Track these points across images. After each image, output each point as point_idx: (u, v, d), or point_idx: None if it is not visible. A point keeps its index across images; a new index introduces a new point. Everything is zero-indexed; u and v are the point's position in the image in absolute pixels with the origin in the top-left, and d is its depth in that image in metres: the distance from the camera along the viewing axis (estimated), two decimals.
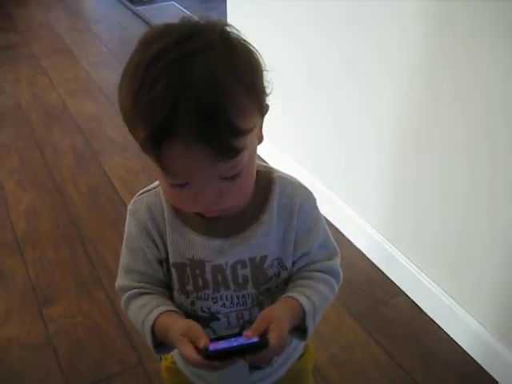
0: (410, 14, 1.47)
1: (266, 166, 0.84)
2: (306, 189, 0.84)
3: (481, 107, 1.35)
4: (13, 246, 1.96)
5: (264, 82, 0.71)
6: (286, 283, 0.85)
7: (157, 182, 0.82)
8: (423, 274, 1.67)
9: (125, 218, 2.08)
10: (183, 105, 0.62)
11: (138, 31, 3.70)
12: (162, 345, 0.79)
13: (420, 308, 1.70)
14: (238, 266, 0.81)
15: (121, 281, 0.86)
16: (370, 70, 1.66)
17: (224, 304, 0.83)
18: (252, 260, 0.81)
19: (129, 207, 0.83)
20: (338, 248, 0.89)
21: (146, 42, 0.67)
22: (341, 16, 1.71)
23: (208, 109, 0.62)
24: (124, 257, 0.85)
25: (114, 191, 2.21)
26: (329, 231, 0.87)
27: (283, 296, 0.81)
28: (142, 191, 0.84)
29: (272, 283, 0.83)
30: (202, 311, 0.83)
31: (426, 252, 1.66)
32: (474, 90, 1.35)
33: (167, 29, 0.68)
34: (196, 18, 0.69)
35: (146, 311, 0.79)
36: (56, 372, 1.54)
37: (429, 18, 1.41)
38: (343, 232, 1.96)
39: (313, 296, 0.81)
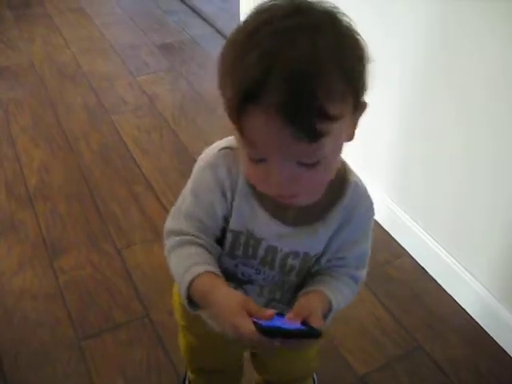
0: None
1: (345, 165, 0.83)
2: (371, 202, 0.85)
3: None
4: (25, 200, 1.99)
5: (366, 75, 0.68)
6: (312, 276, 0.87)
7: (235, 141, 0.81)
8: (428, 236, 1.68)
9: (135, 175, 2.10)
10: (275, 73, 0.61)
11: None
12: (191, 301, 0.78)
13: (424, 269, 1.71)
14: (291, 256, 0.83)
15: (175, 223, 0.83)
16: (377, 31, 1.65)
17: (264, 278, 0.86)
18: (306, 254, 0.83)
19: (207, 158, 0.81)
20: (367, 263, 0.90)
21: (258, 12, 0.67)
22: None
23: (299, 84, 0.61)
24: (188, 203, 0.83)
25: (126, 149, 2.23)
26: (369, 250, 0.89)
27: (318, 288, 0.82)
28: (223, 145, 0.81)
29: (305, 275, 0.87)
30: (242, 275, 0.86)
31: (432, 214, 1.67)
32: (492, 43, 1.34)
33: (280, 2, 0.67)
34: None
35: (191, 262, 0.77)
36: (65, 321, 1.58)
37: None
38: None
39: (339, 296, 0.83)
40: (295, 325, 0.71)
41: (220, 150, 0.80)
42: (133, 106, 2.51)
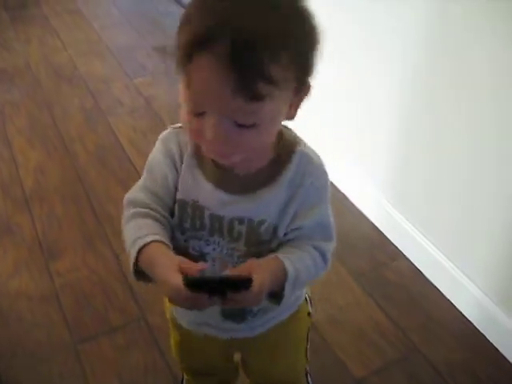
0: None
1: (295, 137, 0.85)
2: (323, 171, 0.85)
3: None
4: (21, 202, 1.99)
5: (314, 58, 0.72)
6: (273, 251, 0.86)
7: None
8: (425, 239, 1.67)
9: (132, 177, 2.09)
10: (229, 26, 0.64)
11: None
12: (139, 272, 0.79)
13: (421, 272, 1.71)
14: (236, 222, 0.83)
15: (133, 193, 0.86)
16: (379, 29, 1.65)
17: (214, 248, 0.86)
18: (250, 220, 0.83)
19: (161, 135, 0.87)
20: (335, 239, 0.89)
21: None
22: None
23: (249, 40, 0.64)
24: (143, 178, 0.87)
25: (122, 150, 2.22)
26: (332, 222, 0.88)
27: (270, 256, 0.82)
28: (177, 125, 0.86)
29: (262, 248, 0.85)
30: (193, 250, 0.87)
31: (429, 216, 1.66)
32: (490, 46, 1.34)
33: None
34: None
35: (141, 233, 0.79)
36: (61, 323, 1.57)
37: None
38: (346, 194, 1.96)
39: (297, 263, 0.82)
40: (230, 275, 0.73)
41: (173, 128, 0.86)
42: (129, 108, 2.51)
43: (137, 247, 0.77)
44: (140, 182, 0.87)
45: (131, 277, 0.80)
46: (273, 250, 0.85)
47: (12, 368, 1.46)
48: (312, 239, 0.86)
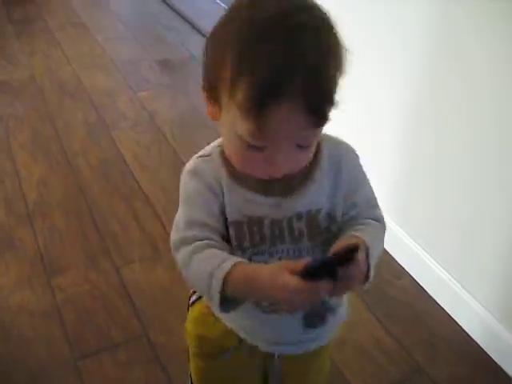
0: None
1: None
2: (350, 147, 0.89)
3: None
4: (23, 216, 1.99)
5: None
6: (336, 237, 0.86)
7: (213, 145, 0.86)
8: (428, 256, 1.67)
9: (135, 191, 2.09)
10: (299, 68, 0.66)
11: (154, 8, 3.70)
12: (226, 300, 0.77)
13: (424, 290, 1.70)
14: (294, 219, 0.84)
15: (181, 233, 0.83)
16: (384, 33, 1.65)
17: (280, 258, 0.85)
18: (308, 212, 0.84)
19: (189, 167, 0.85)
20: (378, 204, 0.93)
21: (249, 5, 0.71)
22: None
23: (316, 75, 0.68)
24: (184, 214, 0.84)
25: (125, 165, 2.22)
26: (373, 190, 0.92)
27: (347, 235, 0.82)
28: (199, 154, 0.86)
29: (326, 236, 0.85)
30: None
31: (433, 235, 1.66)
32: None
33: None
34: None
35: (217, 261, 0.77)
36: (62, 339, 1.57)
37: None
38: None
39: (374, 243, 0.82)
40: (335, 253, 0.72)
41: (198, 157, 0.86)
42: (132, 122, 2.51)
43: (220, 276, 0.74)
44: (183, 219, 0.83)
45: (216, 311, 0.80)
46: (336, 235, 0.85)
47: None
48: (367, 212, 0.89)
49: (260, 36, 0.68)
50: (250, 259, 0.84)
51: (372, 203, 0.91)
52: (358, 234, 0.82)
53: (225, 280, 0.74)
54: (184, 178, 0.85)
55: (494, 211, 1.43)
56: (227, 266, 0.75)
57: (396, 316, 1.64)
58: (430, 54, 1.51)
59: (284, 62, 0.66)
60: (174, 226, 0.86)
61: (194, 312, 0.98)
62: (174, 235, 0.85)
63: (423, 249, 1.69)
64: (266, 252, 0.84)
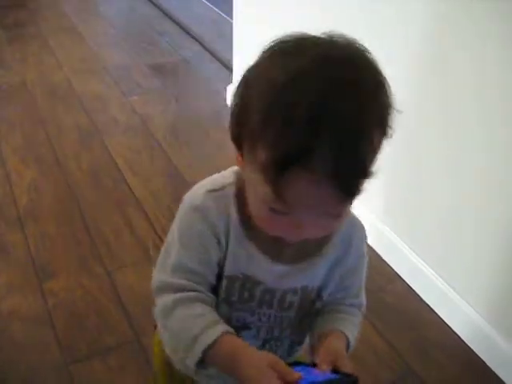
0: None
1: None
2: (362, 225, 0.83)
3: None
4: (14, 221, 1.97)
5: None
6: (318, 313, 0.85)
7: (226, 180, 0.77)
8: (420, 260, 1.68)
9: (126, 196, 2.08)
10: (324, 135, 0.57)
11: (146, 12, 3.71)
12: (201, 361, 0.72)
13: (416, 293, 1.71)
14: (289, 294, 0.80)
15: (167, 276, 0.76)
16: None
17: (260, 319, 0.82)
18: (304, 288, 0.80)
19: (192, 201, 0.75)
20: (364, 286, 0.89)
21: (286, 53, 0.63)
22: None
23: (349, 145, 0.58)
24: (176, 255, 0.76)
25: (117, 169, 2.22)
26: (364, 278, 0.88)
27: (333, 327, 0.80)
28: (210, 188, 0.76)
29: (310, 311, 0.84)
30: (237, 321, 0.82)
31: (423, 238, 1.67)
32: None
33: (311, 42, 0.63)
34: (335, 35, 0.64)
35: (203, 323, 0.71)
36: (54, 345, 1.56)
37: None
38: None
39: (354, 335, 0.81)
40: (326, 375, 0.67)
41: (207, 191, 0.75)
42: (124, 127, 2.51)
43: (206, 342, 0.70)
44: (173, 260, 0.76)
45: (190, 370, 0.72)
46: (318, 311, 0.84)
47: None
48: (351, 297, 0.85)
49: (283, 94, 0.59)
50: (231, 312, 0.80)
51: (360, 290, 0.87)
52: (343, 330, 0.79)
53: (207, 348, 0.70)
54: (186, 212, 0.76)
55: (480, 211, 1.44)
56: (214, 334, 0.70)
57: (388, 319, 1.64)
58: (415, 54, 1.52)
59: (306, 125, 0.57)
60: (160, 260, 0.79)
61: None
62: (159, 275, 0.78)
63: (413, 251, 1.70)
64: (249, 310, 0.81)
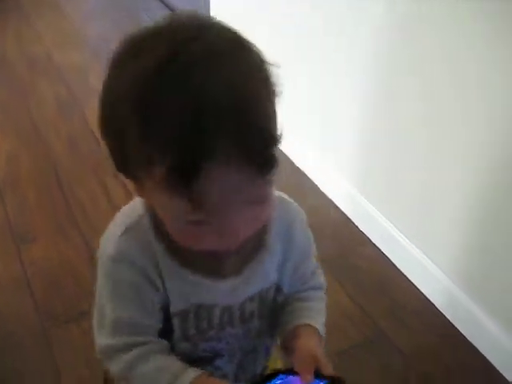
0: None
1: None
2: (298, 209, 0.79)
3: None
4: None
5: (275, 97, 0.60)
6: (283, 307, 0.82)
7: (136, 212, 0.70)
8: (390, 224, 1.70)
9: (103, 166, 2.09)
10: (211, 120, 0.53)
11: None
12: None
13: (388, 258, 1.73)
14: (247, 303, 0.76)
15: (108, 340, 0.71)
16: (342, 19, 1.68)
17: (228, 342, 0.77)
18: (260, 292, 0.76)
19: (110, 252, 0.69)
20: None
21: (133, 55, 0.57)
22: None
23: (239, 118, 0.54)
24: (111, 310, 0.70)
25: (94, 138, 2.22)
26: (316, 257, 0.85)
27: (300, 323, 0.77)
28: (122, 228, 0.70)
29: (271, 309, 0.80)
30: (205, 351, 0.77)
31: (394, 201, 1.69)
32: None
33: (160, 32, 0.58)
34: (180, 14, 0.60)
35: (168, 378, 0.68)
36: (31, 309, 1.58)
37: None
38: (314, 180, 2.01)
39: (323, 321, 0.80)
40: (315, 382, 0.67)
41: (122, 235, 0.69)
42: None
43: None
44: (110, 317, 0.70)
45: None
46: (282, 306, 0.81)
47: None
48: (312, 280, 0.84)
49: (154, 96, 0.54)
50: (195, 346, 0.76)
51: (316, 270, 0.85)
52: (311, 322, 0.77)
53: None
54: (108, 266, 0.70)
55: (451, 177, 1.47)
56: (186, 381, 0.67)
57: (360, 283, 1.67)
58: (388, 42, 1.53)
59: (188, 120, 0.52)
60: (96, 323, 0.73)
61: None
62: (101, 340, 0.72)
63: (385, 216, 1.72)
64: (214, 338, 0.76)
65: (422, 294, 1.63)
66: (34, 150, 2.19)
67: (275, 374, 0.69)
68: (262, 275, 0.75)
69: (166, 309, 0.72)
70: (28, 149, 2.19)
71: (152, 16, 3.29)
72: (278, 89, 0.60)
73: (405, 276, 1.68)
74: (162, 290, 0.70)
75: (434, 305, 1.60)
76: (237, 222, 0.59)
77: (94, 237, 1.80)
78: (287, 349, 0.76)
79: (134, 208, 0.71)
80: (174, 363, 0.70)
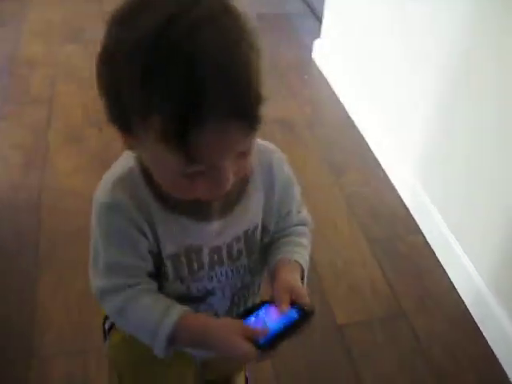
0: None
1: None
2: (277, 149, 0.84)
3: None
4: (95, 122, 2.20)
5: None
6: (269, 246, 0.87)
7: (125, 164, 0.74)
8: (444, 223, 1.72)
9: None
10: (208, 79, 0.57)
11: None
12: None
13: (433, 251, 1.76)
14: (234, 243, 0.81)
15: (103, 279, 0.76)
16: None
17: (219, 280, 0.82)
18: (245, 233, 0.81)
19: (104, 200, 0.73)
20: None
21: (144, 9, 0.60)
22: None
23: (234, 78, 0.59)
24: (105, 253, 0.75)
25: None
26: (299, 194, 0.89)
27: (282, 257, 0.82)
28: (115, 178, 0.73)
29: (259, 249, 0.85)
30: (198, 291, 0.82)
31: (447, 198, 1.72)
32: None
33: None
34: None
35: (157, 314, 0.73)
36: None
37: None
38: (382, 165, 2.08)
39: (306, 255, 0.85)
40: (287, 316, 0.72)
41: (114, 184, 0.73)
42: None
43: (164, 335, 0.72)
44: (103, 260, 0.75)
45: (160, 354, 0.74)
46: (269, 244, 0.86)
47: (52, 245, 1.69)
48: (297, 217, 0.88)
49: (161, 49, 0.58)
50: (187, 287, 0.81)
51: (300, 207, 0.89)
52: (293, 256, 0.82)
53: (169, 338, 0.72)
54: (101, 212, 0.73)
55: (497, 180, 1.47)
56: (171, 322, 0.72)
57: (398, 267, 1.71)
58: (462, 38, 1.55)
59: (186, 78, 0.57)
60: (91, 266, 0.78)
61: (115, 339, 0.92)
62: (96, 281, 0.77)
63: (440, 213, 1.74)
64: (205, 277, 0.81)
65: (456, 290, 1.66)
66: None
67: (261, 304, 0.75)
68: (246, 216, 0.80)
69: (157, 254, 0.77)
70: None
71: None
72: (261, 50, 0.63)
73: (443, 269, 1.71)
74: (152, 236, 0.74)
75: (463, 302, 1.62)
76: (229, 172, 0.65)
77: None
78: (272, 282, 0.81)
79: (125, 159, 0.75)
80: (161, 301, 0.75)
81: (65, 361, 1.40)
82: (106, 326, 0.92)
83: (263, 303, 0.76)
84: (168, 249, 0.76)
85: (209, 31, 0.58)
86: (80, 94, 2.39)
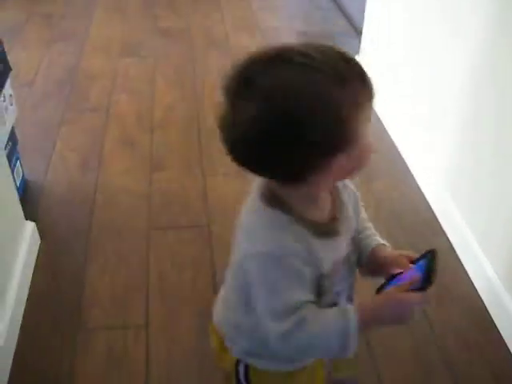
0: None
1: None
2: None
3: None
4: (147, 128, 2.45)
5: None
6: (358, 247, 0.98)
7: (262, 204, 0.82)
8: (467, 226, 1.77)
9: None
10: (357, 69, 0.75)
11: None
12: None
13: (456, 252, 1.83)
14: (350, 247, 0.92)
15: (282, 324, 0.79)
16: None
17: (340, 279, 0.90)
18: (352, 238, 0.93)
19: (275, 251, 0.78)
20: None
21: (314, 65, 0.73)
22: None
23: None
24: (283, 296, 0.80)
25: None
26: None
27: (377, 243, 0.96)
28: (267, 227, 0.80)
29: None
30: (332, 298, 0.90)
31: (470, 201, 1.77)
32: None
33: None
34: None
35: (335, 313, 0.82)
36: (144, 215, 1.98)
37: None
38: (412, 171, 2.17)
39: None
40: (417, 267, 0.86)
41: (272, 233, 0.80)
42: None
43: (353, 319, 0.80)
44: (283, 301, 0.80)
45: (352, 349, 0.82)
46: (357, 245, 0.97)
47: (94, 240, 1.88)
48: (364, 215, 1.01)
49: (340, 72, 0.73)
50: (332, 297, 0.89)
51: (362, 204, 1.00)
52: (380, 241, 0.97)
53: (358, 324, 0.80)
54: (263, 264, 0.79)
55: None
56: (351, 313, 0.80)
57: None
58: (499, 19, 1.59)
59: (360, 74, 0.75)
60: (268, 316, 0.81)
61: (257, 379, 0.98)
62: (273, 330, 0.80)
63: (459, 210, 1.81)
64: (337, 283, 0.90)
65: (474, 287, 1.72)
66: (188, 105, 2.62)
67: (392, 277, 0.88)
68: (352, 222, 0.92)
69: (320, 276, 0.84)
70: (183, 103, 2.63)
71: (323, 14, 3.60)
72: None
73: (463, 268, 1.78)
74: (316, 263, 0.82)
75: (480, 298, 1.68)
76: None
77: (211, 176, 2.15)
78: (374, 267, 0.94)
79: (258, 194, 0.84)
80: (329, 309, 0.83)
81: (107, 335, 1.56)
82: (240, 369, 0.97)
83: (387, 280, 0.88)
84: (325, 268, 0.83)
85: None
86: (134, 103, 2.62)
